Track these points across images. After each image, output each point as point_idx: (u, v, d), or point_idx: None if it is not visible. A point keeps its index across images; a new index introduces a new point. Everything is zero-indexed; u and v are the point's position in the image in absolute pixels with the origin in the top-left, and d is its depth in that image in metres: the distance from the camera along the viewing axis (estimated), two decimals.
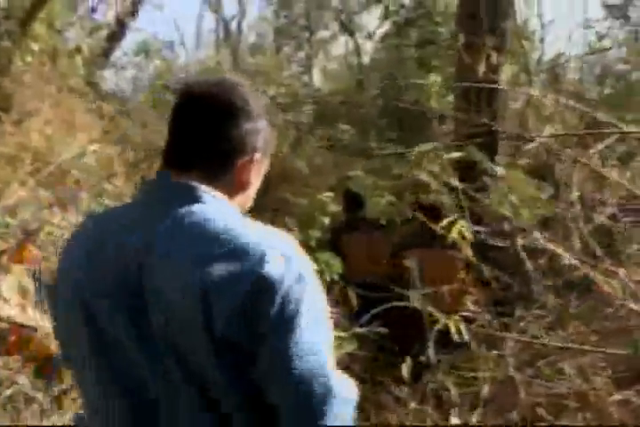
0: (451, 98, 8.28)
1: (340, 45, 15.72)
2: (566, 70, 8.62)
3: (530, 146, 4.47)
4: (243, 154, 1.45)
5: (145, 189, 1.48)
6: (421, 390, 3.75)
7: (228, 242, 1.30)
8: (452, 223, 2.44)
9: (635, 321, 2.94)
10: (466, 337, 3.66)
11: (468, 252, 2.86)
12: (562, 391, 3.23)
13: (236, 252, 1.29)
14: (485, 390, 3.29)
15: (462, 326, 3.68)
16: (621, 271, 2.81)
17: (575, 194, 2.89)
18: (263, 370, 1.30)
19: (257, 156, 1.47)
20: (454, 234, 2.39)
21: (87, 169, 5.60)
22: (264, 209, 5.99)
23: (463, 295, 5.08)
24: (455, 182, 2.66)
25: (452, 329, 3.47)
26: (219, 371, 1.29)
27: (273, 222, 1.50)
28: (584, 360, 3.11)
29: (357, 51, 13.48)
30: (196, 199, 1.38)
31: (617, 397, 2.83)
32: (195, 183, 1.40)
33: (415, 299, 4.02)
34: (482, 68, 5.84)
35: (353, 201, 6.00)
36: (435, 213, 5.04)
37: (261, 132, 1.47)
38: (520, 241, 2.60)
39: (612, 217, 3.29)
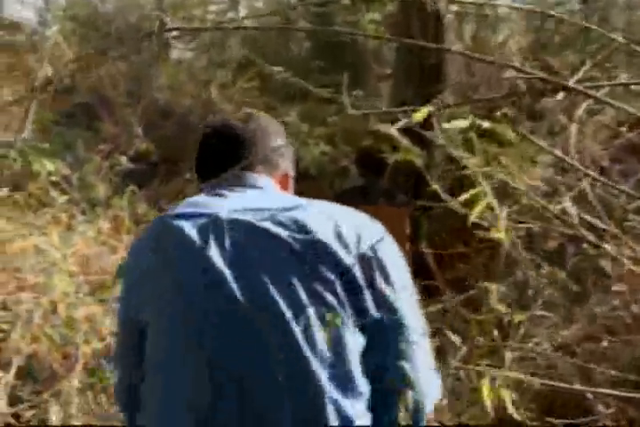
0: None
1: None
2: None
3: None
4: (277, 169, 1.60)
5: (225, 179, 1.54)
6: None
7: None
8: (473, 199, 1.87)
9: None
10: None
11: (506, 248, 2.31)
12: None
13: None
14: None
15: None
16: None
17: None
18: None
19: (290, 173, 1.65)
20: (475, 213, 1.83)
21: None
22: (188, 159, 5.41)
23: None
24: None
25: None
26: None
27: None
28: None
29: None
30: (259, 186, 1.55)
31: None
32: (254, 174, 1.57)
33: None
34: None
35: None
36: (380, 165, 4.55)
37: (287, 152, 1.62)
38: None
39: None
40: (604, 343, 2.38)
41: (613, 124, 3.42)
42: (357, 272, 1.39)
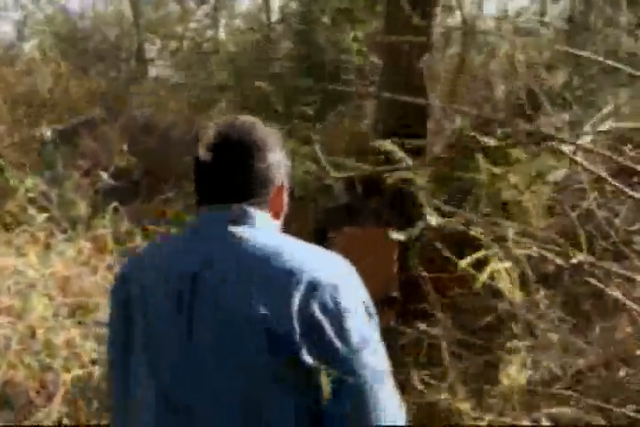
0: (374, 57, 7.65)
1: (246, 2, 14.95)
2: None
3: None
4: (274, 183, 1.58)
5: (202, 218, 1.57)
6: None
7: (282, 262, 1.42)
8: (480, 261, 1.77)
9: None
10: None
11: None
12: None
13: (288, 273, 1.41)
14: None
15: None
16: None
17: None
18: None
19: (285, 184, 1.62)
20: (483, 276, 1.71)
21: None
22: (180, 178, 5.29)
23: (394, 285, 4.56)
24: None
25: None
26: None
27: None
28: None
29: (266, 5, 12.68)
30: (250, 223, 1.52)
31: None
32: (250, 208, 1.54)
33: None
34: (415, 20, 5.24)
35: None
36: (374, 185, 4.45)
37: (283, 164, 1.62)
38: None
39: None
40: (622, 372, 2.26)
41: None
42: (306, 327, 1.38)
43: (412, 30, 5.79)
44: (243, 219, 1.52)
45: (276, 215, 1.62)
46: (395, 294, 4.80)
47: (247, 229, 1.51)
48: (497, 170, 1.97)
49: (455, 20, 7.45)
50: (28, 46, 9.11)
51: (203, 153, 1.56)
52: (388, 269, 4.64)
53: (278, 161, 1.59)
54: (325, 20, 10.11)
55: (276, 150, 1.60)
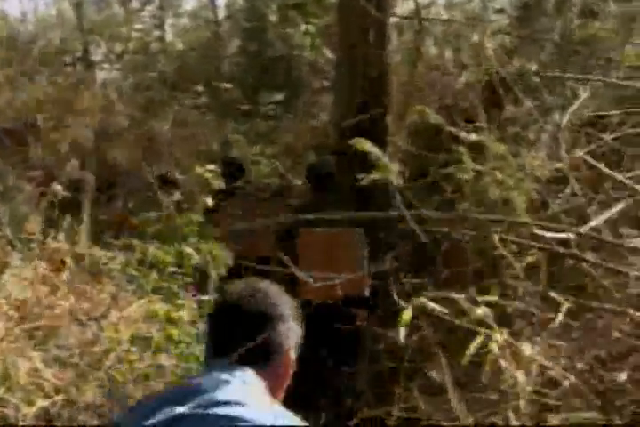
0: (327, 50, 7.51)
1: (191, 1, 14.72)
2: None
3: None
4: (280, 353, 1.64)
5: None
6: None
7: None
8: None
9: None
10: None
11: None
12: None
13: None
14: None
15: None
16: None
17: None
18: None
19: (291, 353, 1.68)
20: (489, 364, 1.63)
21: None
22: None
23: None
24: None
25: None
26: None
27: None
28: None
29: (212, 3, 12.46)
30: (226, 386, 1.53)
31: None
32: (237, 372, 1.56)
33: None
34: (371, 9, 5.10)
35: (233, 168, 5.21)
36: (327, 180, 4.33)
37: (293, 331, 1.68)
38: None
39: None
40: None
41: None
42: None
43: (366, 21, 5.67)
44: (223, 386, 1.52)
45: (279, 381, 1.66)
46: (366, 294, 4.71)
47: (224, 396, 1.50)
48: (483, 167, 1.84)
49: (406, 8, 7.34)
50: None
51: (214, 316, 1.70)
52: (357, 269, 4.54)
53: (288, 329, 1.66)
54: (274, 16, 9.96)
55: (287, 319, 1.66)
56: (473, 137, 1.67)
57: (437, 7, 8.30)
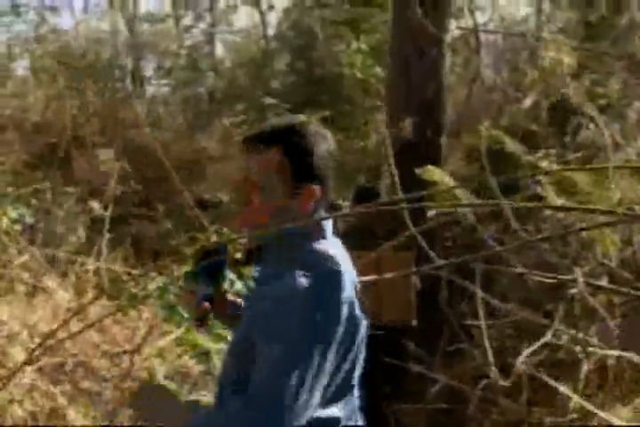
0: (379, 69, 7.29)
1: (243, 18, 14.69)
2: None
3: None
4: None
5: None
6: None
7: None
8: None
9: None
10: None
11: None
12: None
13: None
14: None
15: None
16: None
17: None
18: None
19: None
20: None
21: None
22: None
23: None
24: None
25: None
26: None
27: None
28: None
29: (263, 21, 12.37)
30: None
31: None
32: None
33: None
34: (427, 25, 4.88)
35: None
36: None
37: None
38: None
39: None
40: None
41: None
42: None
43: (422, 38, 5.45)
44: None
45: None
46: (413, 322, 4.44)
47: None
48: (571, 203, 1.59)
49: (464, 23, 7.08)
50: (18, 67, 8.77)
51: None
52: (405, 295, 4.29)
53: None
54: (323, 33, 9.79)
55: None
56: (554, 167, 1.43)
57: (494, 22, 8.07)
